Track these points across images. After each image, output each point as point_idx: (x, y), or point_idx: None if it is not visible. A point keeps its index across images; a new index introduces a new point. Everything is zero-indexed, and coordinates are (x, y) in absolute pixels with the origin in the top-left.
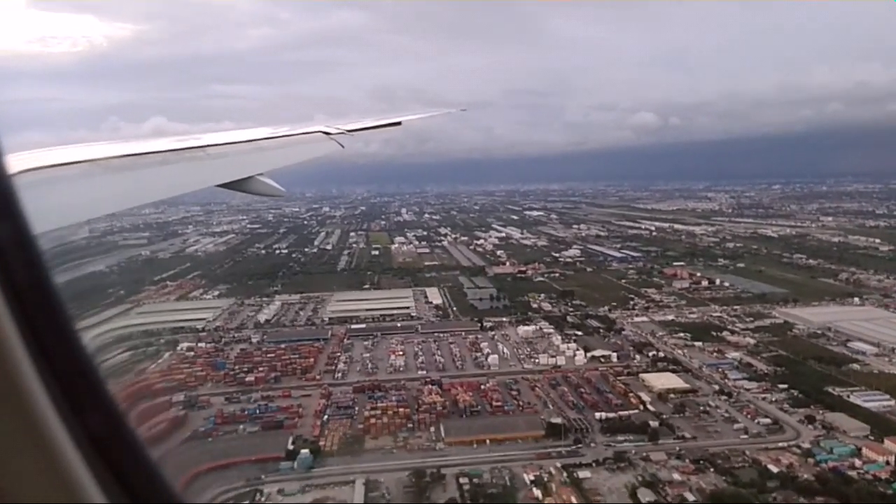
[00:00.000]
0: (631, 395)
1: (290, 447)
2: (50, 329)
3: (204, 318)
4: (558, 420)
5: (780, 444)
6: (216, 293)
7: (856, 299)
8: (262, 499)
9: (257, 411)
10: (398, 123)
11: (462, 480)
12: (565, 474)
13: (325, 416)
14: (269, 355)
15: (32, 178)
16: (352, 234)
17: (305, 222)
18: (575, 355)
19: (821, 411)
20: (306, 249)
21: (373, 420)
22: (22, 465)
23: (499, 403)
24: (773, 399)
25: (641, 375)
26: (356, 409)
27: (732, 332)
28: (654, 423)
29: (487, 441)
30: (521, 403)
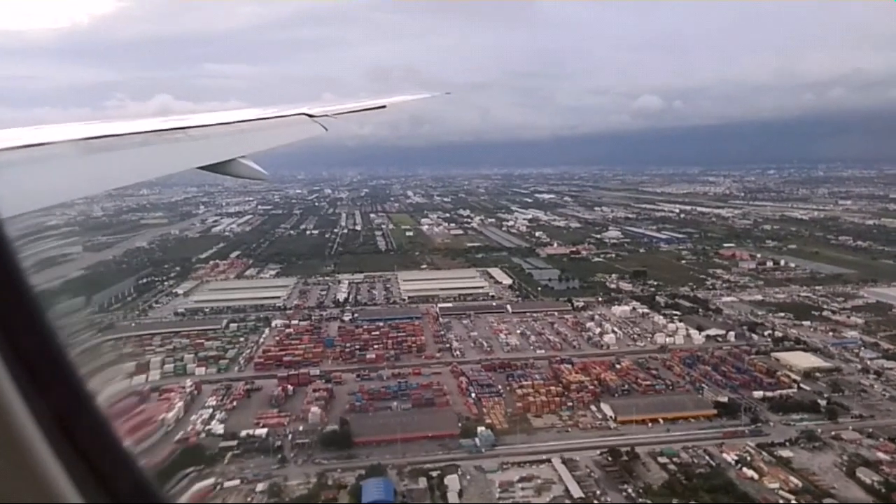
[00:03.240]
0: (778, 373)
1: (459, 425)
2: (18, 321)
3: (279, 297)
4: (724, 399)
5: None
6: (272, 273)
7: None
8: (463, 475)
9: (399, 389)
10: (383, 106)
11: (662, 460)
12: (765, 454)
13: (472, 395)
14: (372, 333)
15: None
16: (371, 215)
17: (315, 204)
18: (689, 334)
19: None
20: (335, 230)
21: (530, 398)
22: None
23: (648, 382)
24: None
25: (773, 354)
26: (499, 387)
27: (833, 312)
28: (821, 402)
29: (660, 420)
30: (668, 382)
